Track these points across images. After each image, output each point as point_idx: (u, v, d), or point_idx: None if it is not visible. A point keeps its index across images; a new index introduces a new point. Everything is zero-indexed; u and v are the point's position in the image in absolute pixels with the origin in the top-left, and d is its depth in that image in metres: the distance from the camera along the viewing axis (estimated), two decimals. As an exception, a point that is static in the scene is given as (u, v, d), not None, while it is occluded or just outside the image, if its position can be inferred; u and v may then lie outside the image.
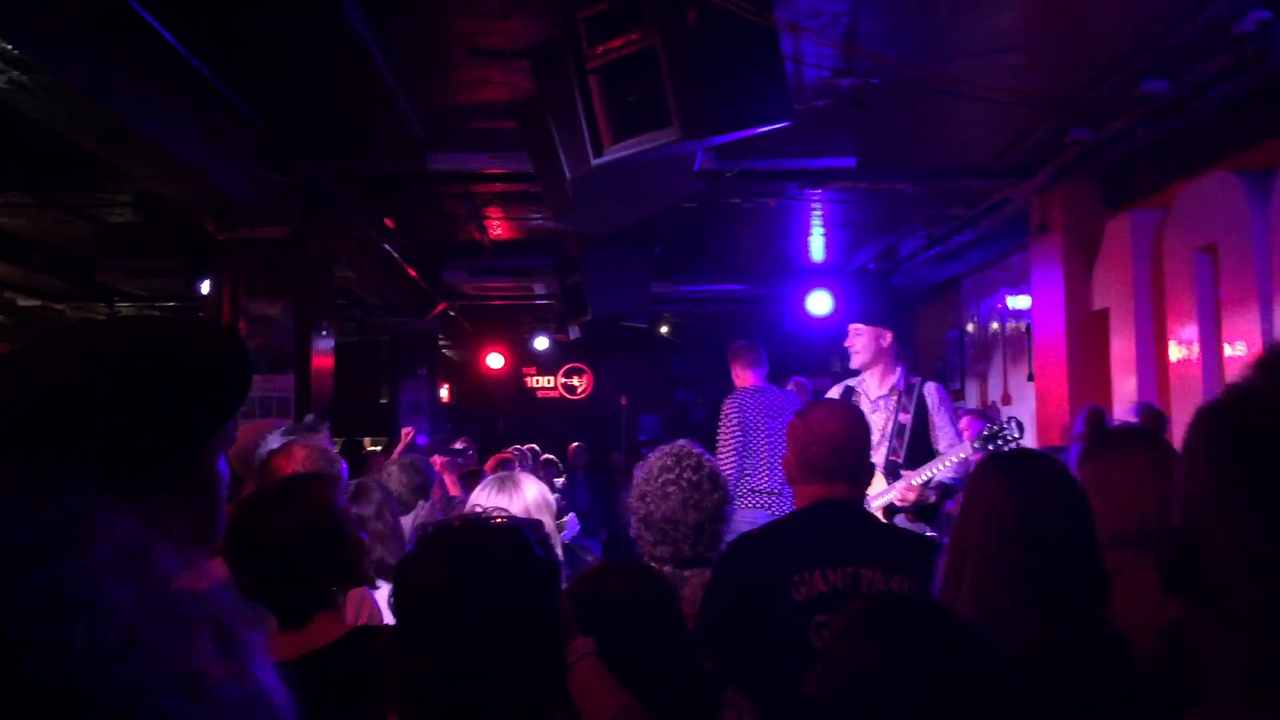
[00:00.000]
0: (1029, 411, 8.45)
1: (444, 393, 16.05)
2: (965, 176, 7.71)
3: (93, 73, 4.82)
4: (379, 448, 12.96)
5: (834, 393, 5.44)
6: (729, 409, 6.35)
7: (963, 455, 4.79)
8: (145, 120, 5.33)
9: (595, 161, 4.32)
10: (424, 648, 1.68)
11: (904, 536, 3.02)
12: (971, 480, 2.20)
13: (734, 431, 6.24)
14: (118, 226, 8.95)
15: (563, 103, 4.48)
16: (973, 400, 10.46)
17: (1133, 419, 2.94)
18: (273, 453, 3.65)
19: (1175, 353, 6.45)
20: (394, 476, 4.82)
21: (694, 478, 2.96)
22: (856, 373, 5.41)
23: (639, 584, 2.28)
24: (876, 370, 5.26)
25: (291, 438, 4.21)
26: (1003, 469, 2.16)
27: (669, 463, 3.00)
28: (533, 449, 10.37)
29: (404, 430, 7.78)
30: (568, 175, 4.69)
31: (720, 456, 6.14)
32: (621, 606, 2.19)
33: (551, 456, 11.13)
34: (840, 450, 2.74)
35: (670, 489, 2.94)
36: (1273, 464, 1.05)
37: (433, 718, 1.70)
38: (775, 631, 2.55)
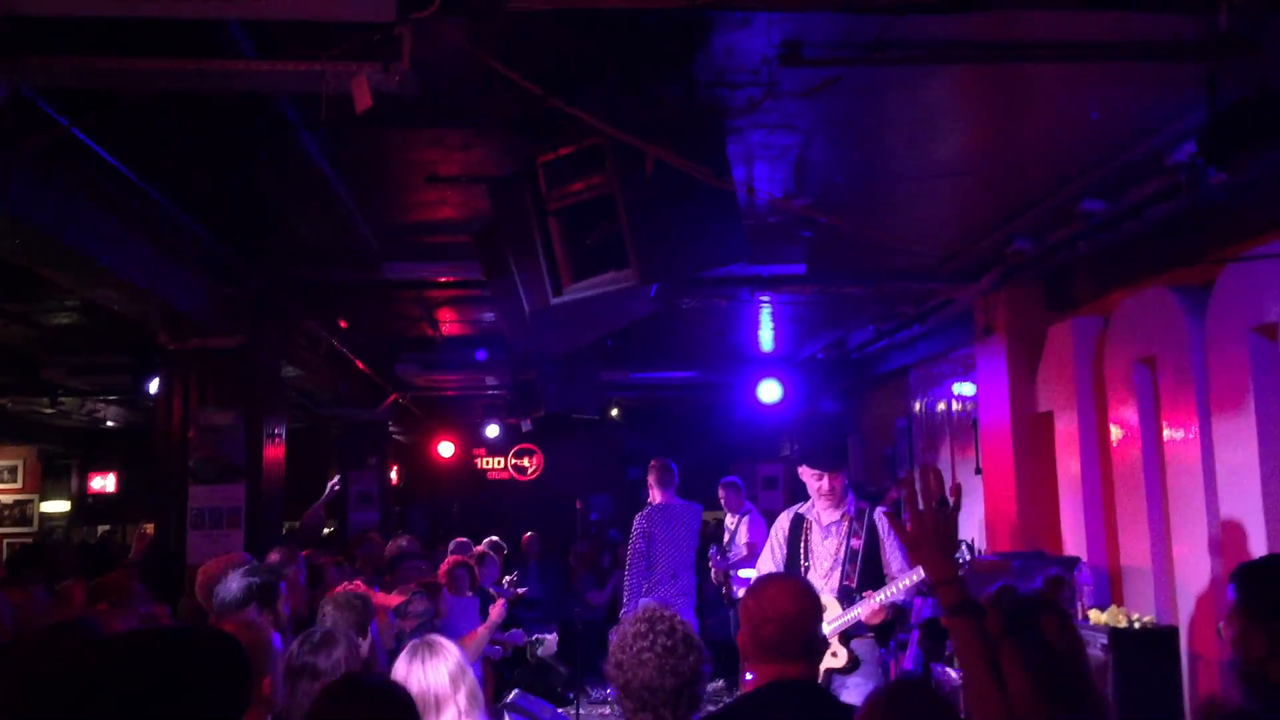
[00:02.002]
0: (978, 506, 8.57)
1: (394, 475, 15.93)
2: (911, 280, 7.88)
3: (46, 206, 4.82)
4: (328, 529, 12.83)
5: (784, 519, 5.49)
6: (636, 526, 8.09)
7: (916, 579, 4.86)
8: (98, 247, 5.32)
9: (554, 300, 4.38)
10: None
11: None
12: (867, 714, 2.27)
13: (639, 543, 8.01)
14: (62, 328, 8.86)
15: (521, 239, 4.53)
16: (922, 489, 10.56)
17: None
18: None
19: (1118, 457, 6.61)
20: (330, 617, 4.70)
21: (668, 643, 2.94)
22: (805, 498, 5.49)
23: None
24: (831, 503, 5.34)
25: (252, 580, 4.20)
26: (886, 704, 2.24)
27: (642, 628, 2.98)
28: (493, 541, 10.26)
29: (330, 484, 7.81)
30: (526, 308, 4.73)
31: (629, 565, 8.05)
32: None
33: (497, 539, 10.93)
34: (792, 627, 2.76)
35: (646, 655, 2.92)
36: None
37: None
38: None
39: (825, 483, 5.27)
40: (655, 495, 8.34)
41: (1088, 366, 6.94)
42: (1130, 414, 6.43)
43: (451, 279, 7.30)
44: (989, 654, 2.48)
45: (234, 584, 4.23)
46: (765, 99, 4.43)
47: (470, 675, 3.41)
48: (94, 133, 4.55)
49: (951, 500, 2.67)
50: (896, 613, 5.18)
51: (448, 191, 5.80)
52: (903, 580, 4.95)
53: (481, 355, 10.10)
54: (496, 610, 6.37)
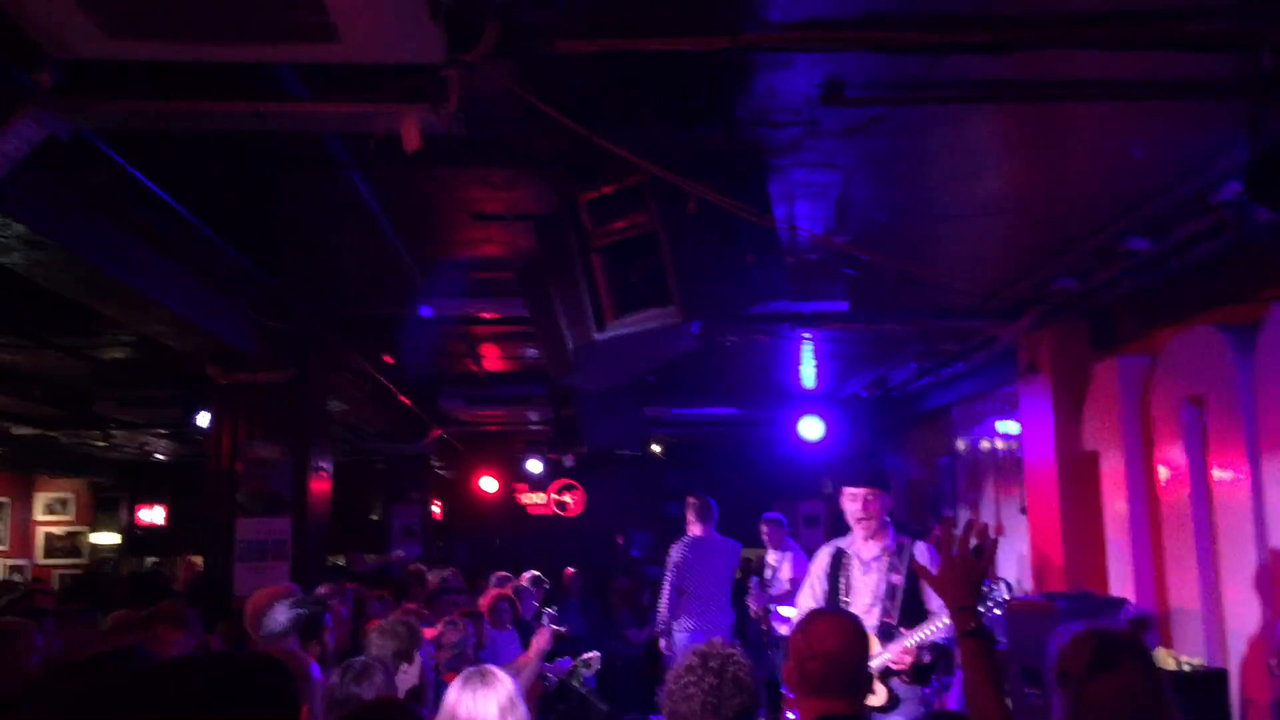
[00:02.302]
0: (1023, 543, 8.49)
1: (436, 509, 16.03)
2: (954, 318, 7.86)
3: (101, 244, 4.96)
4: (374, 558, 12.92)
5: (823, 554, 5.46)
6: (671, 553, 8.66)
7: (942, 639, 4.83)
8: (151, 283, 5.46)
9: (598, 336, 4.43)
10: None
11: None
12: None
13: (671, 572, 8.59)
14: (113, 362, 9.03)
15: (565, 275, 4.59)
16: (966, 528, 10.46)
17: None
18: None
19: (1165, 498, 6.53)
20: (374, 644, 4.75)
21: (715, 681, 2.91)
22: (846, 530, 5.45)
23: None
24: (869, 530, 5.28)
25: (298, 612, 4.25)
26: None
27: (694, 662, 2.97)
28: (534, 576, 10.25)
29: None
30: (570, 344, 4.78)
31: (662, 592, 8.66)
32: None
33: (539, 574, 10.93)
34: (838, 664, 2.77)
35: (691, 690, 2.90)
36: None
37: None
38: None
39: (859, 504, 5.23)
40: (694, 529, 8.72)
41: (1134, 406, 6.87)
42: (1178, 454, 6.35)
43: (495, 315, 7.38)
44: (996, 677, 2.62)
45: (280, 615, 4.28)
46: (807, 138, 4.46)
47: (521, 710, 3.40)
48: (148, 170, 4.66)
49: (986, 547, 2.79)
50: (939, 653, 5.11)
51: (493, 229, 5.88)
52: (941, 618, 4.89)
53: (522, 389, 10.09)
54: (544, 637, 6.36)
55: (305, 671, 3.07)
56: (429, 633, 6.24)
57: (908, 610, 5.09)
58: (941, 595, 2.83)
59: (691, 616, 8.56)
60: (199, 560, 7.35)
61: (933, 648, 5.00)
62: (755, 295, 4.33)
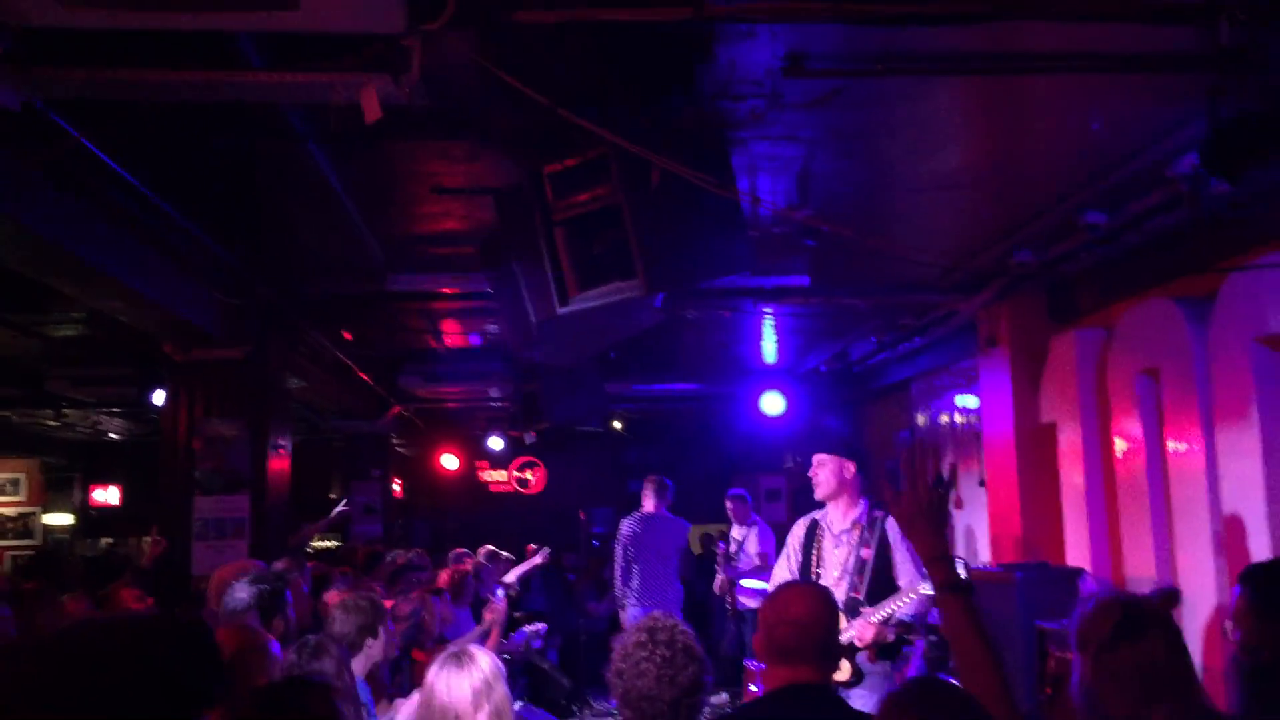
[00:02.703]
0: (981, 516, 8.58)
1: (396, 487, 15.94)
2: (914, 292, 7.91)
3: (55, 218, 4.86)
4: (335, 544, 12.82)
5: (799, 526, 5.49)
6: (622, 526, 9.06)
7: (924, 592, 4.83)
8: (108, 259, 5.36)
9: (561, 310, 4.41)
10: None
11: None
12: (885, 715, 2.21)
13: (623, 544, 8.96)
14: (67, 339, 8.89)
15: (528, 249, 4.57)
16: (925, 501, 10.55)
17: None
18: None
19: (1121, 468, 6.62)
20: (338, 620, 4.72)
21: (667, 653, 2.93)
22: (821, 505, 5.48)
23: None
24: (840, 502, 5.31)
25: (259, 588, 4.22)
26: (901, 708, 2.19)
27: (643, 638, 2.98)
28: (490, 550, 10.23)
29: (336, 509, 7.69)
30: (532, 318, 4.76)
31: (615, 561, 8.99)
32: None
33: (494, 549, 10.89)
34: (805, 631, 2.78)
35: (645, 665, 2.91)
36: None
37: None
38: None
39: (811, 470, 5.31)
40: (648, 505, 9.13)
41: (1091, 377, 6.95)
42: (1134, 425, 6.44)
43: (456, 290, 7.33)
44: (981, 629, 2.53)
45: (240, 593, 4.26)
46: (769, 110, 4.46)
47: (499, 692, 3.31)
48: (104, 143, 4.58)
49: (947, 477, 2.76)
50: (903, 629, 5.12)
51: (453, 203, 5.84)
52: (908, 594, 4.92)
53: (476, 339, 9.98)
54: (500, 609, 6.37)
55: (259, 644, 3.05)
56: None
57: (877, 586, 5.10)
58: (914, 542, 2.76)
59: (639, 590, 8.92)
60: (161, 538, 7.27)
61: (899, 625, 5.03)
62: (719, 267, 4.33)
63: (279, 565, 5.18)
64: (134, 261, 5.63)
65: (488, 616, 6.38)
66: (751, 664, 6.76)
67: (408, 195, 5.74)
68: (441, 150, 5.07)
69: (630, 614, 8.89)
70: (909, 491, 2.73)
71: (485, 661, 3.36)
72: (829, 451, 5.39)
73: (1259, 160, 4.24)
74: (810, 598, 2.87)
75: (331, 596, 5.13)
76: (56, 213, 4.83)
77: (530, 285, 4.71)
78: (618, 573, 9.03)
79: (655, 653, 2.93)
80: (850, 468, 5.33)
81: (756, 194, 5.65)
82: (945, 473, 3.25)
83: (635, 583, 8.94)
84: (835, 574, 5.19)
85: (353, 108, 3.68)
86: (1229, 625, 2.80)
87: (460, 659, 3.33)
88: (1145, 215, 5.74)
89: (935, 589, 2.63)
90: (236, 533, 7.36)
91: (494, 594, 8.24)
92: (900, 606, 4.90)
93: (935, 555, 2.69)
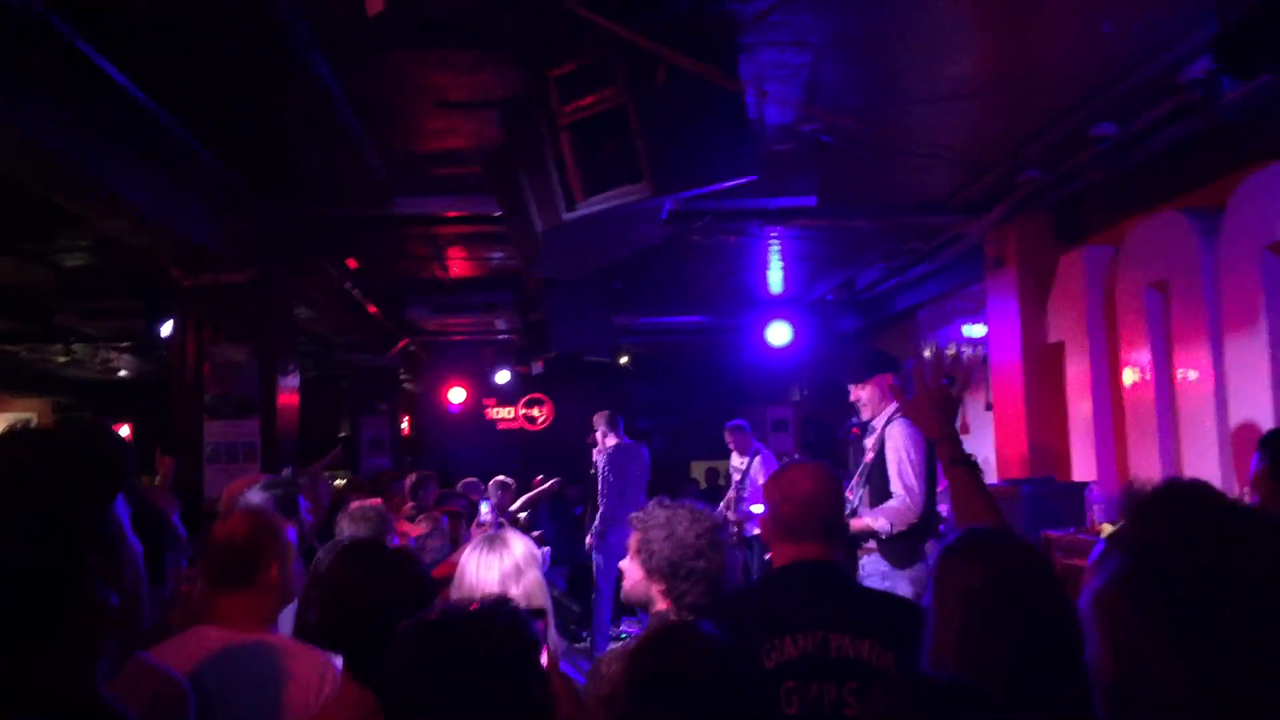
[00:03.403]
0: (988, 440, 8.60)
1: (405, 425, 16.01)
2: (922, 213, 7.87)
3: (58, 128, 4.83)
4: (343, 482, 12.89)
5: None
6: (602, 462, 9.44)
7: (874, 524, 4.97)
8: (111, 173, 5.34)
9: (567, 216, 4.39)
10: None
11: (880, 600, 3.04)
12: (936, 572, 2.24)
13: (611, 477, 9.30)
14: (76, 269, 8.89)
15: (533, 157, 4.54)
16: (932, 428, 10.58)
17: None
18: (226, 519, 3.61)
19: (1129, 384, 6.62)
20: (345, 529, 4.75)
21: (703, 526, 2.99)
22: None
23: (702, 652, 2.21)
24: (884, 413, 5.36)
25: (273, 493, 4.25)
26: (962, 554, 2.21)
27: (681, 514, 3.00)
28: (500, 480, 10.27)
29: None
30: (538, 227, 4.74)
31: (604, 494, 9.30)
32: (686, 678, 2.15)
33: (504, 479, 10.92)
34: (810, 508, 2.80)
35: (684, 536, 2.96)
36: (1202, 601, 1.10)
37: None
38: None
39: (855, 398, 5.45)
40: (610, 439, 9.52)
41: (1099, 295, 6.94)
42: (1141, 340, 6.43)
43: (461, 212, 7.30)
44: (985, 494, 2.75)
45: (254, 498, 4.29)
46: (774, 9, 4.40)
47: (530, 576, 3.29)
48: (103, 52, 4.54)
49: (959, 377, 2.87)
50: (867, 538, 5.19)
51: (458, 119, 5.79)
52: (868, 519, 5.02)
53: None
54: (489, 520, 6.41)
55: (275, 527, 3.05)
56: (412, 529, 6.27)
57: (877, 488, 5.17)
58: (920, 427, 2.90)
59: (622, 514, 9.05)
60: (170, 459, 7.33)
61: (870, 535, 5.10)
62: (726, 171, 4.29)
63: (286, 471, 5.21)
64: (136, 176, 5.60)
65: (475, 531, 6.40)
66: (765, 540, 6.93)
67: (412, 110, 5.68)
68: (445, 60, 5.01)
69: (613, 535, 9.17)
70: (920, 386, 2.91)
71: (519, 547, 3.33)
72: (859, 380, 5.43)
73: (1272, 56, 4.20)
74: (813, 476, 2.88)
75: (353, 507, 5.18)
76: (58, 124, 4.80)
77: (536, 194, 4.69)
78: (608, 501, 9.34)
79: (693, 526, 2.98)
80: (888, 379, 5.36)
81: (764, 107, 5.61)
82: (959, 371, 3.45)
83: (625, 508, 9.10)
84: (855, 477, 5.31)
85: (355, 9, 3.64)
86: (1247, 490, 2.83)
87: (493, 542, 3.31)
88: (1156, 125, 5.69)
89: (944, 464, 2.73)
90: (248, 456, 7.41)
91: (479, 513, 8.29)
92: (873, 520, 4.99)
93: (944, 435, 2.87)
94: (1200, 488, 1.22)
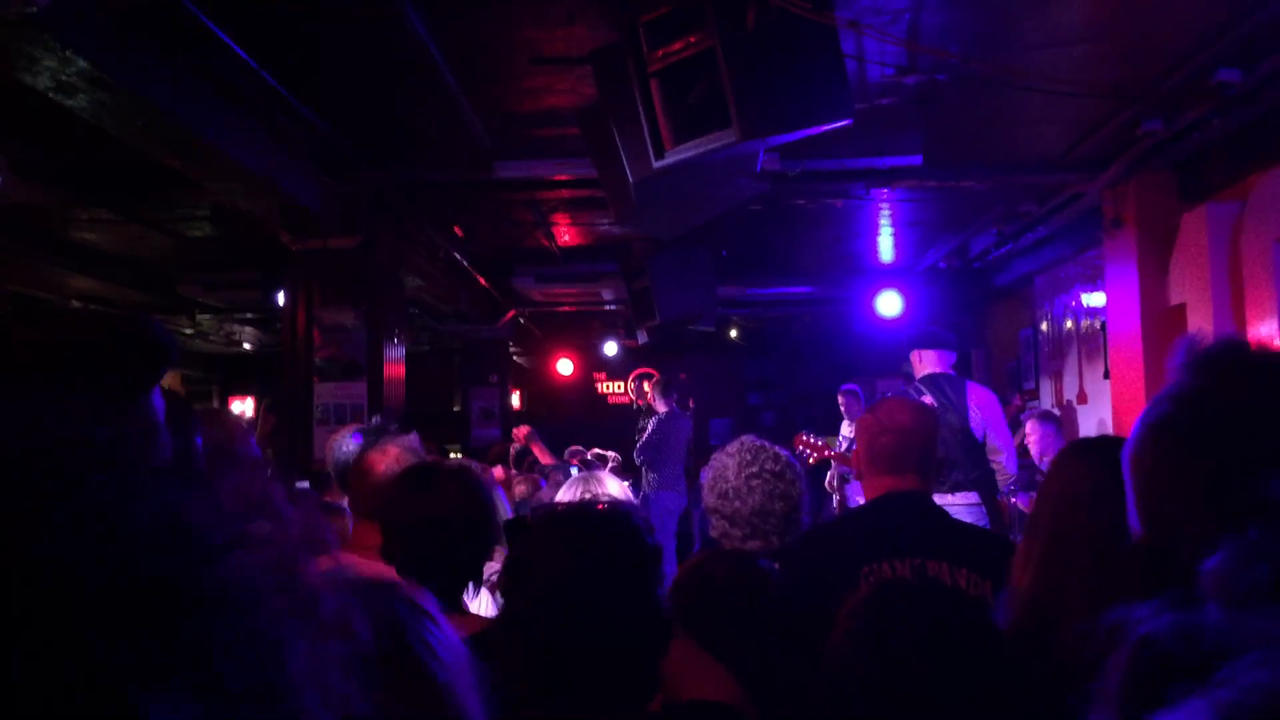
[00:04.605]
0: (1106, 410, 8.31)
1: (515, 399, 16.19)
2: (1035, 172, 7.60)
3: (167, 88, 4.96)
4: (459, 455, 13.13)
5: None
6: (656, 428, 10.32)
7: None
8: (219, 133, 5.47)
9: (657, 164, 4.35)
10: (540, 631, 1.70)
11: (976, 533, 3.01)
12: (1051, 466, 2.16)
13: (656, 440, 10.28)
14: (196, 240, 9.19)
15: (624, 107, 4.51)
16: (1047, 400, 10.30)
17: None
18: (368, 452, 3.67)
19: (1254, 343, 6.28)
20: None
21: (775, 468, 2.98)
22: None
23: (744, 572, 2.29)
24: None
25: (384, 438, 4.32)
26: (1079, 454, 2.11)
27: (747, 458, 3.01)
28: (598, 453, 10.32)
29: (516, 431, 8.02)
30: (630, 179, 4.71)
31: (646, 454, 10.24)
32: (729, 592, 2.21)
33: (602, 451, 10.95)
34: (907, 440, 2.76)
35: (755, 483, 2.96)
36: (1239, 457, 1.02)
37: (543, 697, 1.71)
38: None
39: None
40: (661, 406, 10.44)
41: (1223, 254, 6.60)
42: (1268, 296, 6.10)
43: (564, 176, 7.30)
44: None
45: (348, 444, 4.37)
46: (872, -53, 4.28)
47: (633, 500, 3.45)
48: (206, 11, 4.65)
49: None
50: None
51: (554, 76, 5.79)
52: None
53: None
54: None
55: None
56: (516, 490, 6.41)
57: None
58: None
59: (662, 477, 10.31)
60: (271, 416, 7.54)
61: None
62: (818, 114, 4.18)
63: (377, 419, 5.28)
64: (245, 138, 5.74)
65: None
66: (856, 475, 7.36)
67: (508, 67, 5.70)
68: (538, 13, 5.01)
69: (650, 495, 10.13)
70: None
71: (613, 485, 3.41)
72: (921, 347, 6.36)
73: None
74: (912, 409, 2.84)
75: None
76: (166, 82, 4.92)
77: (627, 144, 4.66)
78: (654, 460, 10.22)
79: (764, 469, 3.00)
80: (941, 357, 6.24)
81: (863, 58, 5.46)
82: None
83: (659, 471, 10.26)
84: None
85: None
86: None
87: (588, 480, 3.40)
88: (1283, 70, 5.39)
89: None
90: (355, 418, 7.55)
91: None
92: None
93: None
94: (1260, 346, 1.13)
